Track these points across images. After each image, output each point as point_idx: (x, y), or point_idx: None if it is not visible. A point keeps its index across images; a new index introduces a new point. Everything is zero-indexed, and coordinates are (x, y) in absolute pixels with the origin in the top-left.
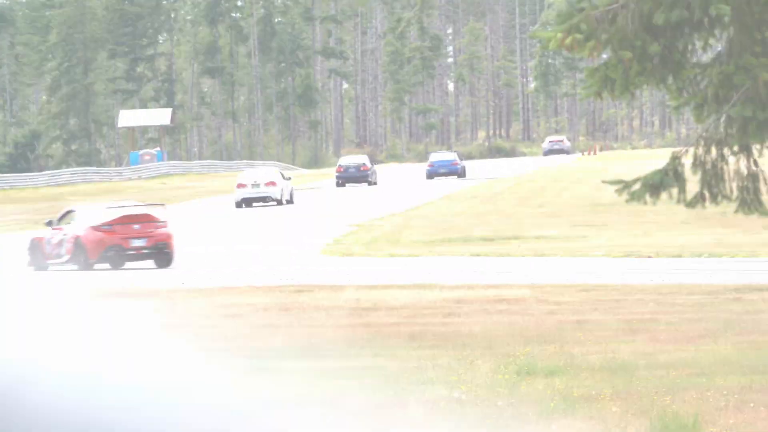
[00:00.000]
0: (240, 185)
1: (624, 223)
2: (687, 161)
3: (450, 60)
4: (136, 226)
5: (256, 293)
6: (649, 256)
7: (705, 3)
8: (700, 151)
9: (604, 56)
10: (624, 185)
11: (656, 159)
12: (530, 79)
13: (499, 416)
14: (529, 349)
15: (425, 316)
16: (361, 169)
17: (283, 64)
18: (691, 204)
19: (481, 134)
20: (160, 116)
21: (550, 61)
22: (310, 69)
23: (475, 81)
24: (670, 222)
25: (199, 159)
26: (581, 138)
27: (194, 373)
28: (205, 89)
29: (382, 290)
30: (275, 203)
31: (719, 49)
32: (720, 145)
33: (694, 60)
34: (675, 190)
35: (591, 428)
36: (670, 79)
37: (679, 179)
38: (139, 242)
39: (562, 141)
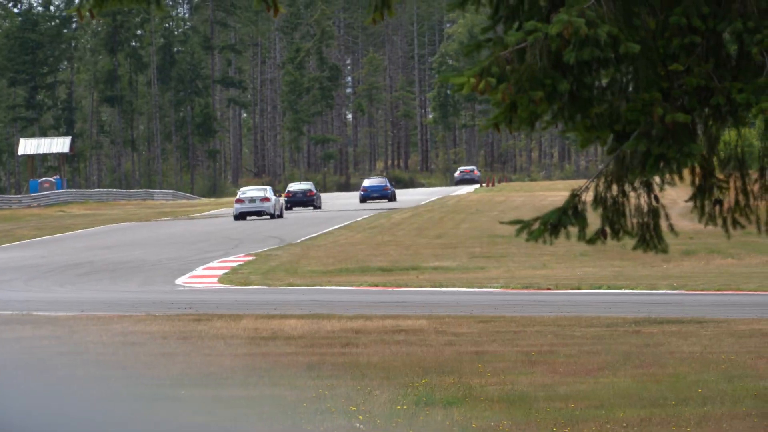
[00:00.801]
0: (238, 200)
1: (522, 255)
2: (588, 196)
3: (349, 90)
4: None
5: (154, 321)
6: (548, 288)
7: (614, 41)
8: (601, 186)
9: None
10: (522, 225)
11: (555, 191)
12: (429, 110)
13: None
14: (428, 380)
15: (323, 346)
16: (308, 194)
17: (182, 93)
18: (591, 241)
19: (380, 164)
20: (60, 144)
21: (448, 92)
22: (209, 98)
23: (374, 111)
24: (568, 254)
25: (99, 187)
26: (480, 169)
27: (90, 401)
28: (105, 117)
29: (280, 320)
30: (269, 217)
31: (615, 83)
32: (620, 180)
33: (598, 96)
34: (574, 228)
35: None
36: (579, 117)
37: (579, 218)
38: None
39: (473, 171)
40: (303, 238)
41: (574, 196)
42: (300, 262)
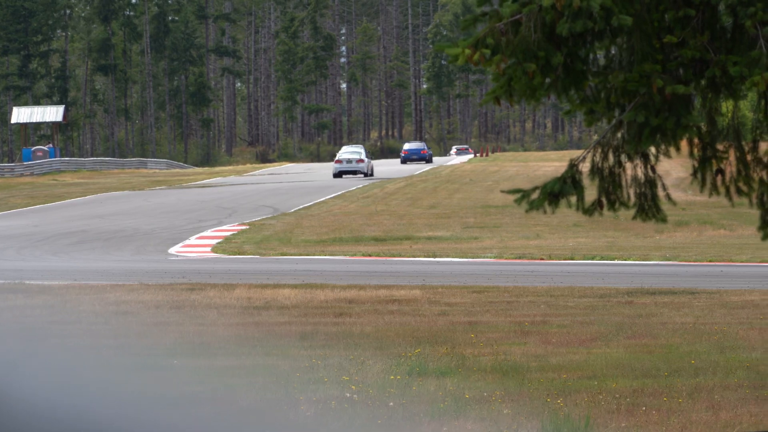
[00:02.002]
0: (338, 161)
1: (516, 226)
2: (584, 167)
3: (343, 60)
4: None
5: (147, 290)
6: (541, 259)
7: (607, 13)
8: (598, 157)
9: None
10: (522, 194)
11: (549, 161)
12: (423, 80)
13: (390, 417)
14: (421, 350)
15: (316, 316)
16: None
17: (176, 62)
18: (588, 211)
19: (374, 134)
20: (53, 113)
21: (442, 62)
22: (203, 67)
23: (368, 81)
24: (562, 225)
25: (92, 156)
26: (473, 140)
27: (81, 370)
28: (98, 86)
29: (273, 289)
30: (362, 175)
31: (613, 56)
32: (617, 151)
33: (595, 69)
34: (573, 198)
35: (482, 430)
36: (573, 90)
37: (578, 187)
38: None
39: (467, 149)
40: (296, 208)
41: (573, 165)
42: (293, 231)
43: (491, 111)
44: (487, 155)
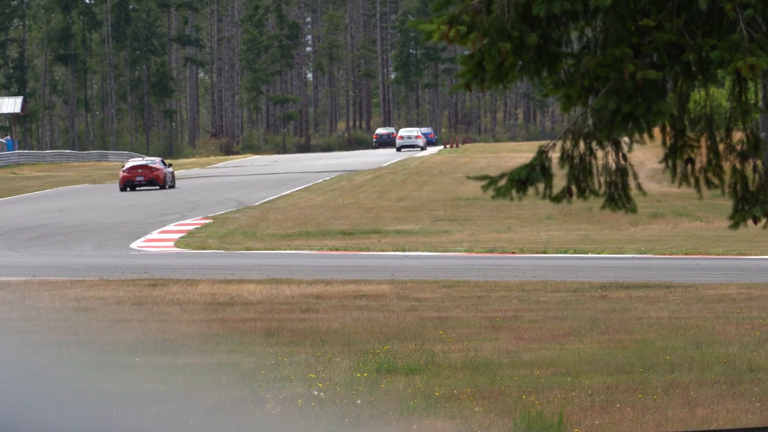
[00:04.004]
0: (400, 137)
1: (487, 219)
2: (554, 155)
3: (309, 49)
4: None
5: (108, 286)
6: (513, 252)
7: None
8: (568, 144)
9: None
10: (489, 181)
11: (521, 152)
12: (391, 69)
13: (359, 415)
14: (389, 347)
15: (282, 312)
16: (392, 135)
17: (137, 52)
18: (556, 199)
19: (341, 125)
20: (11, 104)
21: (411, 51)
22: (165, 57)
23: (335, 71)
24: (534, 218)
25: (51, 148)
26: (443, 130)
27: (41, 367)
28: (58, 77)
29: (237, 285)
30: (419, 149)
31: (589, 39)
32: (588, 138)
33: (569, 51)
34: (542, 186)
35: (453, 428)
36: (545, 72)
37: (546, 174)
38: None
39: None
40: (261, 201)
41: (542, 152)
42: (259, 225)
43: (461, 101)
44: (457, 146)
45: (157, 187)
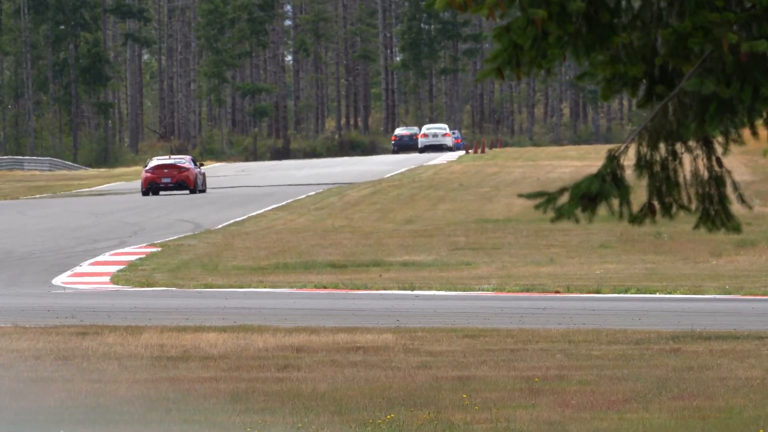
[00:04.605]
0: (423, 135)
1: (522, 246)
2: (627, 163)
3: (288, 23)
4: None
5: (24, 335)
6: (557, 291)
7: None
8: (645, 147)
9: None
10: (547, 198)
11: (567, 160)
12: (396, 49)
13: None
14: (394, 415)
15: (253, 370)
16: (415, 137)
17: (62, 27)
18: (636, 219)
19: (330, 124)
20: None
21: (422, 25)
22: (99, 33)
23: (322, 52)
24: (584, 245)
25: None
26: (464, 131)
27: None
28: None
29: (194, 333)
30: (446, 150)
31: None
32: (670, 138)
33: (626, 21)
34: (616, 202)
35: None
36: (598, 48)
37: (622, 187)
38: None
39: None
40: (225, 223)
41: (613, 158)
42: (221, 254)
43: (489, 92)
44: (483, 152)
45: (187, 192)
